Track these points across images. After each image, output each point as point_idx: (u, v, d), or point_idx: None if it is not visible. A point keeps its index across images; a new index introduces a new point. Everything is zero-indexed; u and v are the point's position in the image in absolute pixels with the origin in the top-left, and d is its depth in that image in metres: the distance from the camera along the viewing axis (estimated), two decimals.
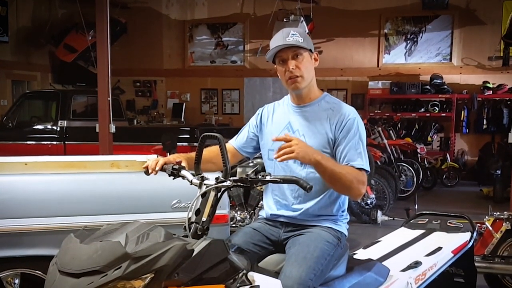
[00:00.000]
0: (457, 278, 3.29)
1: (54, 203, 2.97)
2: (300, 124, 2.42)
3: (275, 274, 2.17)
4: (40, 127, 9.09)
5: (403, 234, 3.25)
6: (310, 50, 2.39)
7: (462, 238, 3.13)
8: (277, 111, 2.55)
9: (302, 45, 2.33)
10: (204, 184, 2.09)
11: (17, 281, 2.93)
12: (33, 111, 9.76)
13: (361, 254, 2.84)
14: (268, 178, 2.05)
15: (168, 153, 7.08)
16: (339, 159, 2.32)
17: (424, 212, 3.58)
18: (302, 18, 10.30)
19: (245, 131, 2.62)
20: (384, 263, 2.64)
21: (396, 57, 11.69)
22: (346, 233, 2.48)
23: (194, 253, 1.74)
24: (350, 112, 2.38)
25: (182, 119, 12.04)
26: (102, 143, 6.50)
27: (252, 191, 5.35)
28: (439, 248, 2.93)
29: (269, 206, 2.50)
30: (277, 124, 2.48)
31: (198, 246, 1.77)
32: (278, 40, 2.35)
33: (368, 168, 2.32)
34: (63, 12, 12.48)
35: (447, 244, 3.01)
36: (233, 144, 2.62)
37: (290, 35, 2.32)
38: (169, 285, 1.68)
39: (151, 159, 2.33)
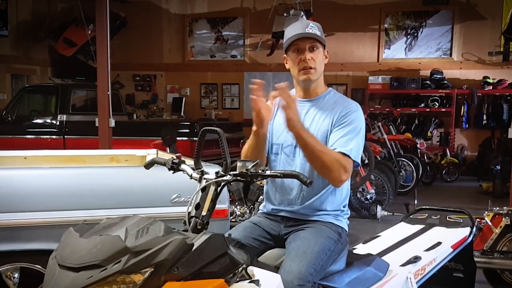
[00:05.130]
0: (457, 273, 3.29)
1: (54, 197, 2.97)
2: (306, 118, 2.42)
3: (275, 269, 2.17)
4: (39, 121, 9.08)
5: (403, 229, 3.24)
6: (324, 46, 2.41)
7: (461, 233, 3.13)
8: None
9: (320, 38, 2.37)
10: (204, 179, 2.08)
11: (16, 275, 2.92)
12: (32, 105, 9.73)
13: (360, 249, 2.84)
14: (268, 172, 2.05)
15: (168, 148, 7.07)
16: (330, 144, 2.32)
17: (424, 207, 3.58)
18: (302, 13, 10.26)
19: None
20: (384, 258, 2.64)
21: (396, 52, 11.68)
22: (347, 229, 2.48)
23: (194, 248, 1.73)
24: (352, 105, 2.40)
25: (182, 113, 12.04)
26: (101, 137, 6.49)
27: (251, 186, 5.34)
28: (439, 243, 2.93)
29: (271, 200, 2.50)
30: (283, 118, 2.46)
31: (198, 240, 1.76)
32: (297, 28, 2.36)
33: (356, 159, 2.29)
34: (62, 6, 12.46)
35: (446, 239, 3.00)
36: None
37: (310, 26, 2.36)
38: (169, 279, 1.68)
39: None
